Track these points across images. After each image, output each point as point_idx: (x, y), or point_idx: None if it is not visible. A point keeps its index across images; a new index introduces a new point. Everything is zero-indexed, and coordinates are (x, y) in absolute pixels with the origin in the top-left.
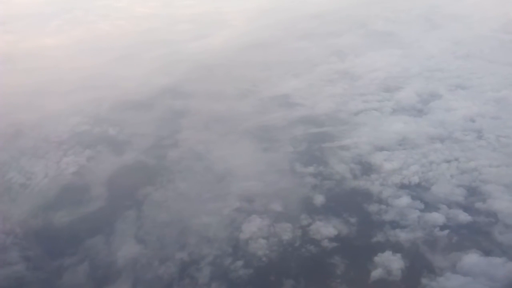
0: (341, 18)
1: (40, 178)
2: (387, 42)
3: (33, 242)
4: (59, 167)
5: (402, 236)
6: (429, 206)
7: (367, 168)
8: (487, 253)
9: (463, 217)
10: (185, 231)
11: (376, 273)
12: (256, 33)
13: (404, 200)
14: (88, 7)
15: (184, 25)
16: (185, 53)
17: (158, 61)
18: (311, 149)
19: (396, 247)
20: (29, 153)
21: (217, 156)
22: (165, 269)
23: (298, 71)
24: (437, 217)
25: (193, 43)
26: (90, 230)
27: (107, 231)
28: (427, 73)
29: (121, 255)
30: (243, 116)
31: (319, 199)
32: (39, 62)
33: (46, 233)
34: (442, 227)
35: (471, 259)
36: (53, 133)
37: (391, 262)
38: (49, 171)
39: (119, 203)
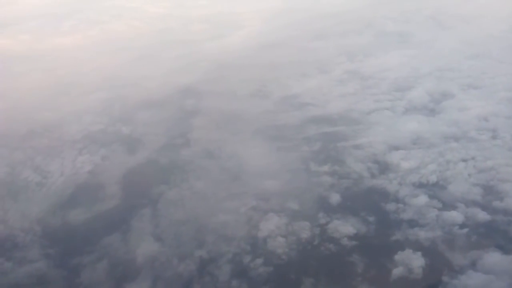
0: (350, 19)
1: (57, 176)
2: (396, 42)
3: (52, 240)
4: (75, 166)
5: (421, 234)
6: (447, 205)
7: (384, 167)
8: (506, 251)
9: (482, 215)
10: (202, 229)
11: (397, 271)
12: (269, 33)
13: (422, 199)
14: (99, 8)
15: (199, 26)
16: (203, 53)
17: (176, 61)
18: (326, 148)
19: (415, 246)
20: (44, 152)
21: (233, 155)
22: (184, 266)
23: (309, 71)
24: (455, 216)
25: (209, 44)
26: (107, 228)
27: (124, 229)
28: (438, 73)
29: (140, 253)
30: (256, 115)
31: (335, 198)
32: (57, 62)
33: (64, 231)
34: (461, 226)
35: (492, 257)
36: (69, 132)
37: (411, 260)
38: (65, 170)
39: (134, 202)
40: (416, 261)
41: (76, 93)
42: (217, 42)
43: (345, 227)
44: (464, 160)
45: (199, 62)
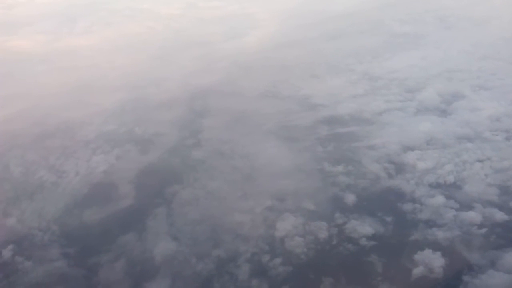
0: (360, 21)
1: (72, 176)
2: (405, 43)
3: (70, 239)
4: (90, 165)
5: (440, 234)
6: (464, 205)
7: (400, 168)
8: None
9: (499, 216)
10: (218, 229)
11: (418, 271)
12: (282, 35)
13: (439, 199)
14: (111, 9)
15: (214, 27)
16: (218, 54)
17: (193, 62)
18: (340, 149)
19: (434, 246)
20: (59, 152)
21: (247, 155)
22: (203, 265)
23: (318, 72)
24: (473, 216)
25: (225, 44)
26: (123, 227)
27: (139, 228)
28: (447, 74)
29: (157, 252)
30: (268, 116)
31: (351, 198)
32: (74, 62)
33: (81, 230)
34: (479, 226)
35: None
36: (83, 132)
37: (432, 260)
38: (80, 170)
39: (148, 201)
40: (436, 260)
41: (93, 94)
42: (233, 43)
43: (362, 227)
44: (480, 161)
45: (215, 63)
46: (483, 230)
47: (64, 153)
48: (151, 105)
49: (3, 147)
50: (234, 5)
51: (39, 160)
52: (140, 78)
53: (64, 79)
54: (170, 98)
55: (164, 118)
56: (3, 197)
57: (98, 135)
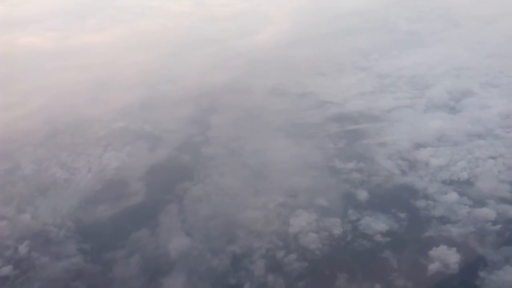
0: (366, 18)
1: (84, 173)
2: (412, 41)
3: (85, 235)
4: (101, 162)
5: (454, 231)
6: (477, 202)
7: (413, 165)
8: None
9: None
10: (231, 225)
11: (433, 267)
12: (294, 32)
13: (452, 196)
14: (120, 6)
15: (225, 24)
16: (232, 51)
17: (207, 59)
18: (351, 146)
19: (449, 242)
20: (70, 149)
21: (256, 152)
22: (218, 261)
23: (325, 69)
24: (487, 213)
25: (237, 41)
26: (136, 223)
27: (152, 224)
28: (455, 71)
29: (172, 248)
30: (275, 113)
31: (363, 195)
32: (88, 59)
33: (95, 226)
34: (494, 222)
35: None
36: (94, 129)
37: (447, 256)
38: (92, 166)
39: (160, 197)
40: (451, 256)
41: (105, 91)
42: (244, 41)
43: (376, 224)
44: (493, 157)
45: (228, 61)
46: (498, 227)
47: (76, 150)
48: (162, 102)
49: (16, 144)
50: (243, 2)
51: (51, 157)
52: (152, 76)
53: (76, 76)
54: (181, 95)
55: (175, 115)
56: (16, 194)
57: (109, 132)
